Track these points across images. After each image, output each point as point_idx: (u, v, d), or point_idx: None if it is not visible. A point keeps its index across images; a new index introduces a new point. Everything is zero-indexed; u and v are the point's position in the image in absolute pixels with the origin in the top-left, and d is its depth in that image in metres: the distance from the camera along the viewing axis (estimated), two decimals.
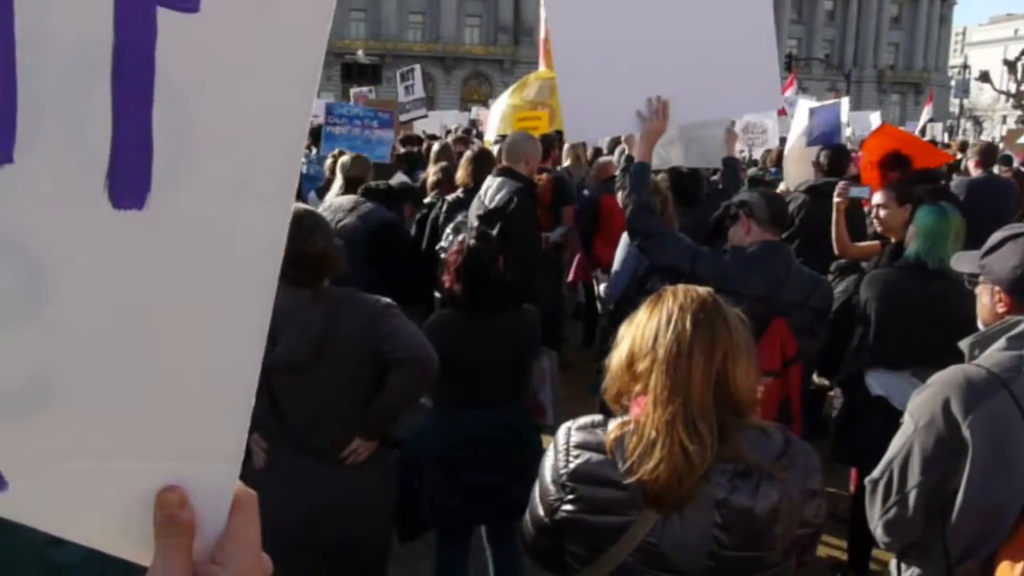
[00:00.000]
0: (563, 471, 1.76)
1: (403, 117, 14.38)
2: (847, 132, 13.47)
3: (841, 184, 4.97)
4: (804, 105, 9.33)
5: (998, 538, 1.92)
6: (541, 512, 1.84)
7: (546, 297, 4.84)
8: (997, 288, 2.14)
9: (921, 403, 2.06)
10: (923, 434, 2.02)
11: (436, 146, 8.06)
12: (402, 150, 9.12)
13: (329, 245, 2.73)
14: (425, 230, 5.80)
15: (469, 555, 3.51)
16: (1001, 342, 2.04)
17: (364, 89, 18.96)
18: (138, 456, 0.63)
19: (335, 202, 5.09)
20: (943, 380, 2.04)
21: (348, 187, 5.33)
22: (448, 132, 13.94)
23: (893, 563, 2.25)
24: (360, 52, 33.98)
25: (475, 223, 4.72)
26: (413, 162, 8.44)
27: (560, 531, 1.82)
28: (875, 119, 15.30)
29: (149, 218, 0.59)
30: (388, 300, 2.84)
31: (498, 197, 4.76)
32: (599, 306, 6.39)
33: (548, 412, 3.35)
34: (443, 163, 6.76)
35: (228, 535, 0.64)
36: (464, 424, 3.19)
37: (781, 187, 7.40)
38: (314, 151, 8.20)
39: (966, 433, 1.94)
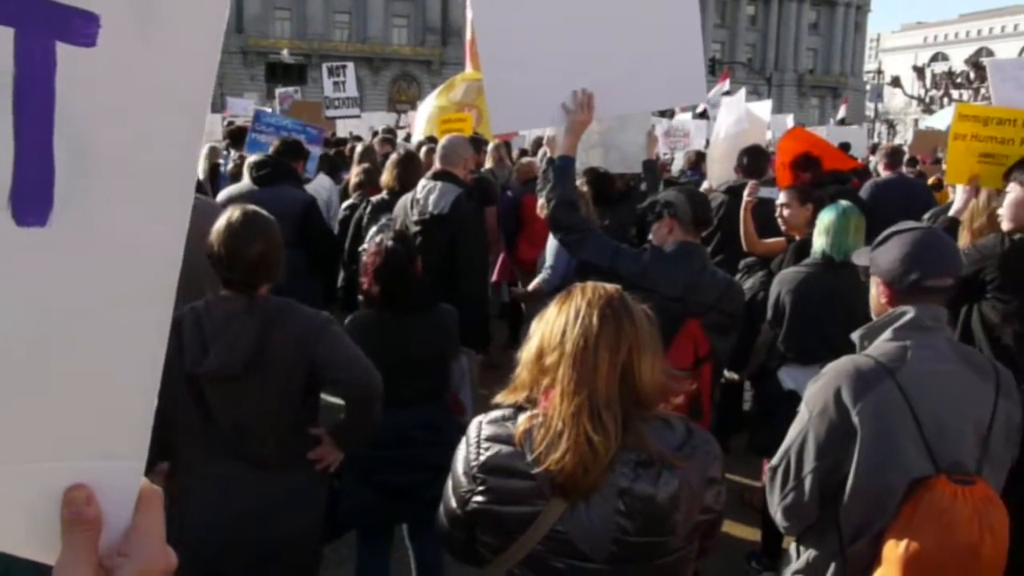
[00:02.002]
0: (474, 463, 1.81)
1: (329, 113, 14.25)
2: (768, 136, 13.91)
3: (751, 184, 5.15)
4: (727, 105, 9.62)
5: (885, 518, 2.04)
6: (454, 504, 1.88)
7: (473, 297, 4.83)
8: (879, 280, 2.28)
9: (815, 393, 2.17)
10: (817, 422, 2.12)
11: (359, 147, 8.01)
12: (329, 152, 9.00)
13: (270, 250, 2.67)
14: (348, 231, 5.78)
15: (391, 555, 3.53)
16: (887, 333, 2.16)
17: (290, 89, 18.69)
18: (45, 457, 0.67)
19: (231, 196, 4.97)
20: (835, 370, 2.15)
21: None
22: (375, 134, 13.84)
23: (792, 546, 2.36)
24: (285, 52, 33.49)
25: (413, 228, 4.65)
26: (335, 163, 8.37)
27: (472, 522, 1.86)
28: (789, 121, 15.84)
29: (52, 234, 0.63)
30: (326, 314, 2.80)
31: (443, 203, 4.69)
32: (523, 306, 6.46)
33: (468, 411, 3.38)
34: (366, 164, 6.73)
35: (134, 529, 0.68)
36: (387, 424, 3.16)
37: (704, 186, 7.61)
38: (233, 152, 8.10)
39: (855, 420, 2.05)
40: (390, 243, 3.22)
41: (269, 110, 16.27)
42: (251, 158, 5.49)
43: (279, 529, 2.68)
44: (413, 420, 3.21)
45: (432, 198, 4.72)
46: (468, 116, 9.09)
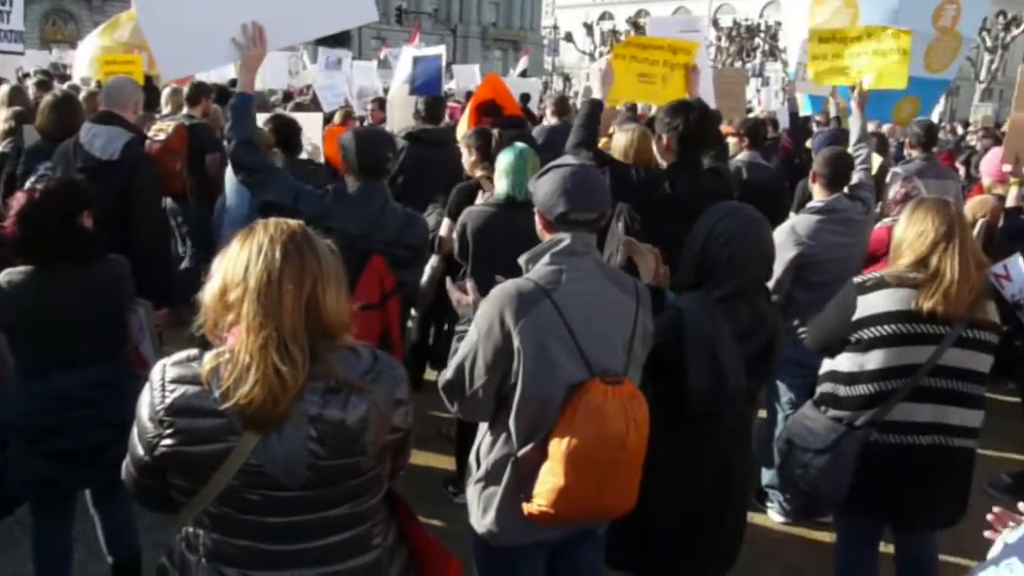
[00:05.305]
0: (160, 407, 1.77)
1: None
2: (451, 84, 14.43)
3: None
4: (408, 53, 9.86)
5: (549, 422, 2.31)
6: (141, 451, 1.83)
7: (152, 249, 4.53)
8: (537, 210, 2.54)
9: (482, 314, 2.38)
10: (484, 341, 2.34)
11: (4, 88, 7.10)
12: None
13: None
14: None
15: (72, 526, 3.29)
16: (546, 258, 2.42)
17: None
18: None
19: None
20: (499, 292, 2.37)
21: None
22: (26, 76, 12.24)
23: (472, 457, 2.58)
24: None
25: (78, 176, 4.24)
26: None
27: (162, 467, 1.82)
28: (476, 71, 16.66)
29: None
30: None
31: (112, 149, 4.35)
32: None
33: (151, 363, 3.21)
34: (17, 108, 6.02)
35: None
36: (53, 387, 2.95)
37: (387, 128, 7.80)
38: None
39: (517, 337, 2.28)
40: (39, 194, 2.95)
41: None
42: None
43: None
44: (88, 379, 3.00)
45: (99, 143, 4.38)
46: (137, 58, 8.39)
